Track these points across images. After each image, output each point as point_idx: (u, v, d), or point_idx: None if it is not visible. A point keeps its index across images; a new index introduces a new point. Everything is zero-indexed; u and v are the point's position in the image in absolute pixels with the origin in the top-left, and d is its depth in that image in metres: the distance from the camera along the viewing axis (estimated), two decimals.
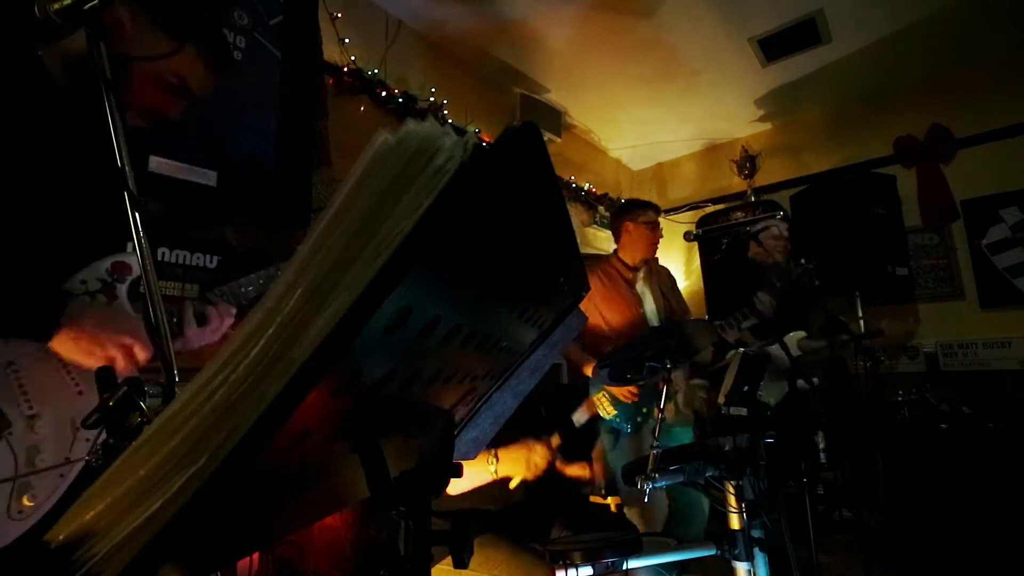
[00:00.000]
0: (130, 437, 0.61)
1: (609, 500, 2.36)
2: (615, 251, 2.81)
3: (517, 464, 1.64)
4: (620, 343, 2.54)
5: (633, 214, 2.72)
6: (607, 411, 2.52)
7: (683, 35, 3.60)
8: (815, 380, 2.44)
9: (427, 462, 0.57)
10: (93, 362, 1.00)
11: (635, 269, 2.73)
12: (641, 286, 2.72)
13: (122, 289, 1.16)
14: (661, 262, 3.01)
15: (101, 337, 1.00)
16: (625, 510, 2.32)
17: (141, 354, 1.04)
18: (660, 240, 2.78)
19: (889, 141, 4.30)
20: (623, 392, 2.46)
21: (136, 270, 1.17)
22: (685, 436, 2.66)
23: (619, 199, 5.03)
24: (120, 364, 1.02)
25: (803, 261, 2.73)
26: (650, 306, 2.70)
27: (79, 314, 1.00)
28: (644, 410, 2.47)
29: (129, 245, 1.04)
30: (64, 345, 0.99)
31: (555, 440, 1.76)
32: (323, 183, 2.62)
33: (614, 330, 2.60)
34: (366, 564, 1.92)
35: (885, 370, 3.75)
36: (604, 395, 2.53)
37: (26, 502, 0.99)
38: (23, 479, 0.99)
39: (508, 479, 1.65)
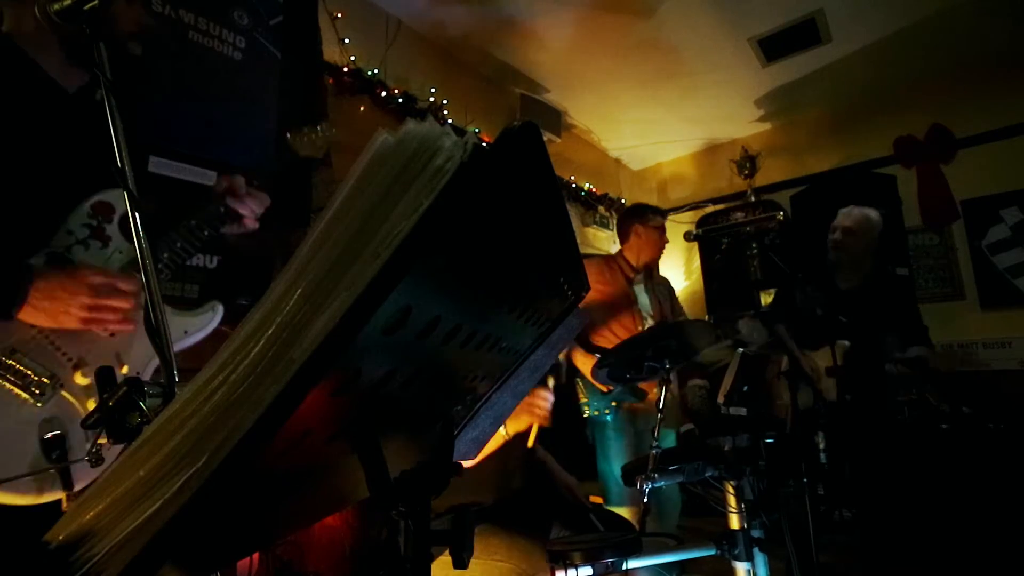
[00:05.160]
0: (130, 437, 0.61)
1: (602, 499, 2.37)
2: (620, 251, 2.82)
3: (522, 415, 1.63)
4: (607, 328, 2.56)
5: (644, 218, 2.74)
6: (580, 397, 2.57)
7: (683, 35, 3.60)
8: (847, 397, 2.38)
9: (427, 462, 0.57)
10: (69, 323, 1.02)
11: (637, 271, 2.75)
12: (639, 288, 2.74)
13: (112, 228, 1.15)
14: (661, 262, 3.02)
15: (63, 298, 1.01)
16: (607, 507, 2.32)
17: (117, 304, 1.04)
18: (666, 245, 2.80)
19: (889, 141, 4.30)
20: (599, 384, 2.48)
21: (119, 207, 1.16)
22: (668, 437, 2.66)
23: (619, 199, 5.04)
24: (95, 321, 1.03)
25: (800, 276, 2.68)
26: (644, 305, 2.71)
27: (40, 281, 1.01)
28: (614, 403, 2.49)
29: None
30: (33, 315, 1.01)
31: (550, 380, 1.76)
32: (323, 183, 2.62)
33: (604, 317, 2.61)
34: (366, 564, 1.92)
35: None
36: (579, 381, 2.57)
37: (102, 440, 1.06)
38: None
39: (521, 436, 1.65)
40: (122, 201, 1.14)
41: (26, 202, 1.09)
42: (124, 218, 1.16)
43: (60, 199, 1.12)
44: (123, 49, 1.20)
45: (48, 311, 1.00)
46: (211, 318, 1.28)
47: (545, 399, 1.67)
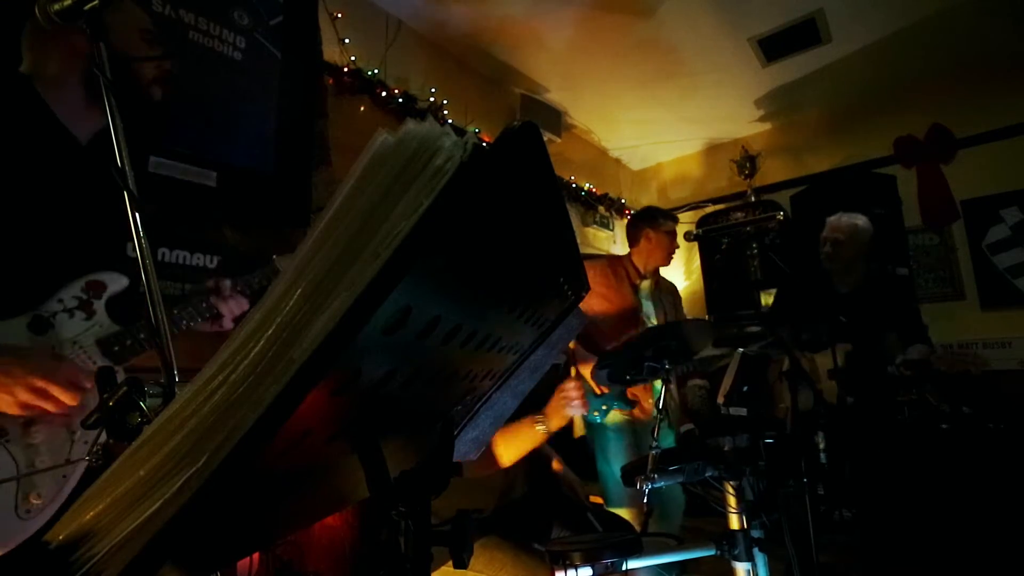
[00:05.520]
0: (130, 437, 0.61)
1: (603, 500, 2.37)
2: (629, 254, 2.80)
3: (559, 411, 1.66)
4: (611, 336, 2.55)
5: (656, 222, 2.71)
6: None
7: (683, 35, 3.61)
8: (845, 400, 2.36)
9: (427, 462, 0.57)
10: (5, 406, 0.98)
11: (643, 276, 2.73)
12: (645, 294, 2.72)
13: (99, 304, 1.19)
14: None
15: (10, 377, 0.97)
16: (609, 508, 2.32)
17: (60, 395, 1.00)
18: (676, 251, 2.78)
19: (889, 141, 4.31)
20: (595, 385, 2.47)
21: (110, 287, 1.20)
22: (667, 436, 2.66)
23: (619, 199, 5.04)
24: (35, 407, 0.98)
25: (798, 278, 2.66)
26: (648, 313, 2.70)
27: None
28: (604, 407, 2.48)
29: (129, 245, 1.04)
30: None
31: (573, 370, 1.79)
32: (323, 183, 2.62)
33: (608, 325, 2.60)
34: (366, 564, 1.92)
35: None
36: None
37: (33, 500, 1.03)
38: (28, 479, 1.03)
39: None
40: (115, 281, 1.20)
41: (25, 262, 1.10)
42: (113, 297, 1.20)
43: (58, 271, 1.15)
44: (145, 94, 1.22)
45: None
46: None
47: (574, 388, 1.69)
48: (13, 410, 0.99)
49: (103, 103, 1.09)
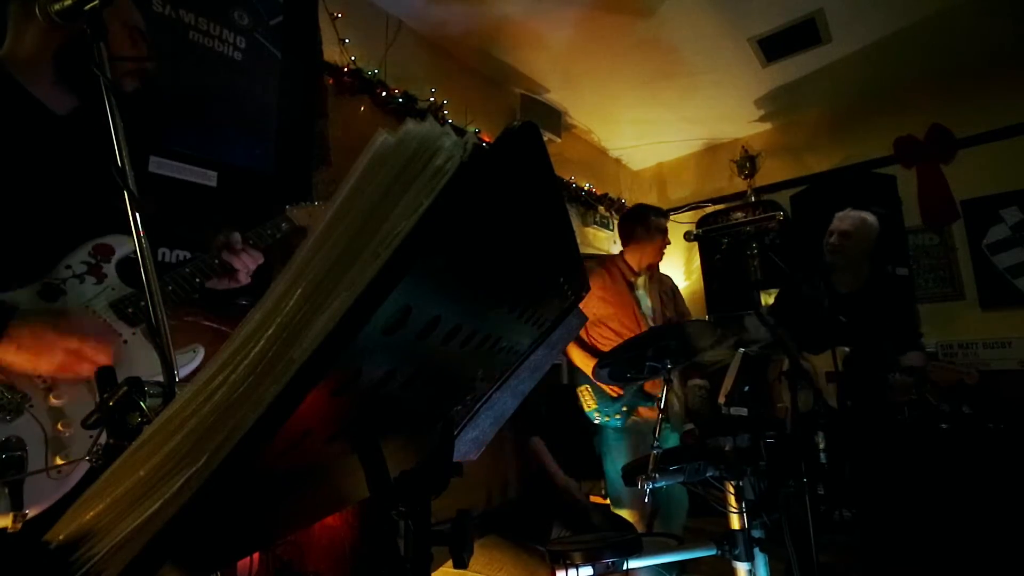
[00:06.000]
0: (130, 437, 0.61)
1: (609, 500, 2.37)
2: (621, 253, 2.81)
3: None
4: (614, 339, 2.55)
5: (646, 220, 2.72)
6: (588, 404, 2.52)
7: (683, 35, 3.60)
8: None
9: (427, 462, 0.57)
10: (44, 368, 1.00)
11: (638, 273, 2.73)
12: (641, 291, 2.72)
13: (110, 267, 1.18)
14: (661, 262, 3.00)
15: (44, 341, 0.99)
16: (615, 509, 2.32)
17: (94, 355, 1.02)
18: (667, 246, 2.78)
19: (889, 141, 4.30)
20: (608, 387, 2.46)
21: (119, 250, 1.19)
22: (672, 437, 2.65)
23: (619, 199, 5.04)
24: (71, 368, 1.01)
25: (800, 275, 2.66)
26: (647, 309, 2.70)
27: (22, 321, 0.99)
28: (624, 408, 2.47)
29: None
30: (7, 355, 0.98)
31: None
32: (323, 183, 2.62)
33: (609, 327, 2.60)
34: (366, 564, 1.92)
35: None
36: (587, 388, 2.53)
37: (59, 461, 1.04)
38: (56, 439, 1.04)
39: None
40: (123, 244, 1.19)
41: (28, 232, 1.10)
42: (122, 260, 1.19)
43: (63, 237, 1.14)
44: (118, 85, 1.22)
45: (30, 359, 0.99)
46: (192, 358, 1.29)
47: None
48: (48, 371, 1.01)
49: (72, 85, 1.12)
